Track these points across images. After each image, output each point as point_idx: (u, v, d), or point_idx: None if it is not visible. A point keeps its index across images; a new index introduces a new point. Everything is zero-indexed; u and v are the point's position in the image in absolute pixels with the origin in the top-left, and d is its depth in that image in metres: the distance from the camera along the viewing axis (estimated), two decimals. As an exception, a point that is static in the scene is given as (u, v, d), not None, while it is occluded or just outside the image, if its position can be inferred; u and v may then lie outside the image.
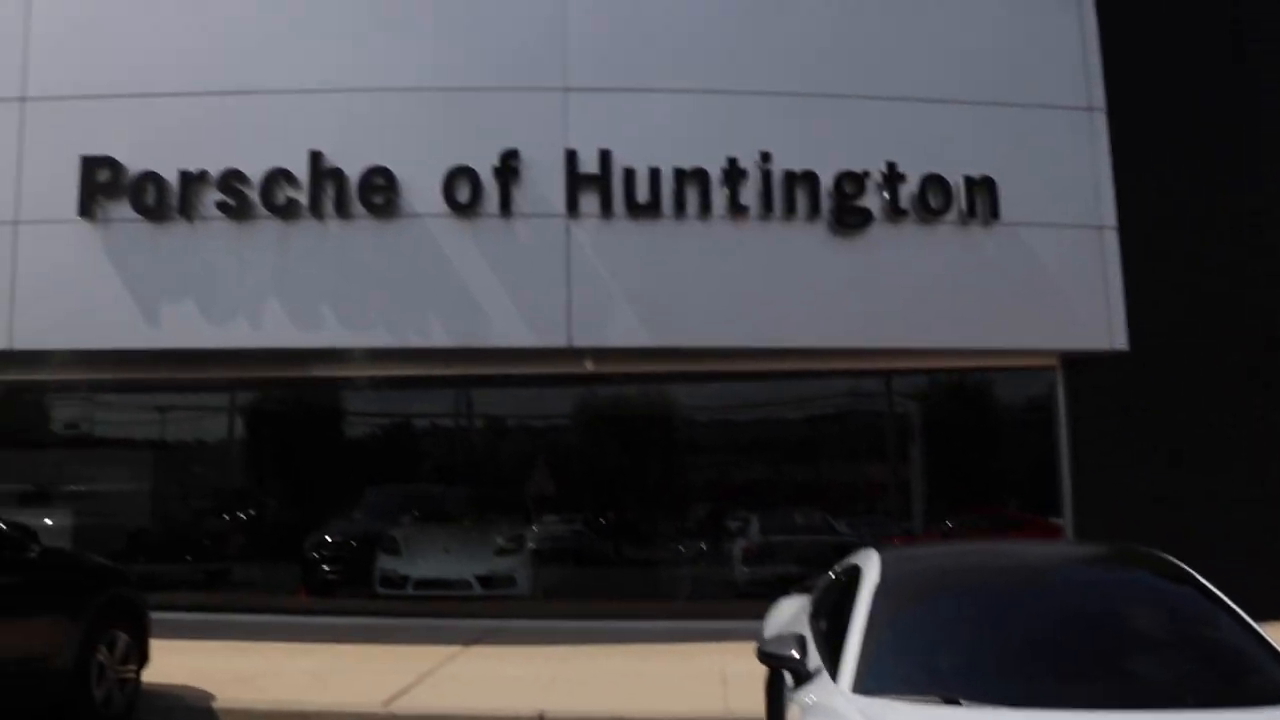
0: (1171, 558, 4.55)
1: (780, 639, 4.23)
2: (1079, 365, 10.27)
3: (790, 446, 11.97)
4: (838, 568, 5.46)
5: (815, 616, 5.24)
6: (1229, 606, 4.14)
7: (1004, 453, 11.73)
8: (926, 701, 3.63)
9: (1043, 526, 10.64)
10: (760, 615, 6.25)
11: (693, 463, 12.12)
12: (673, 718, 6.90)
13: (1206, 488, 9.79)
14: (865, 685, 3.78)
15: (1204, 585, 4.29)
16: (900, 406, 11.63)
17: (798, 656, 4.12)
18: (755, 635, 9.46)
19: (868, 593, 4.28)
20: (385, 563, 11.34)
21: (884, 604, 4.19)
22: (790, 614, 6.02)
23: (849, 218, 9.56)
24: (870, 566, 4.55)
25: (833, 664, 4.07)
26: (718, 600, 11.28)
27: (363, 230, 9.44)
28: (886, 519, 11.54)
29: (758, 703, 7.17)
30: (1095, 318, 9.70)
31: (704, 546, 11.60)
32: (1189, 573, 4.39)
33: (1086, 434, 10.23)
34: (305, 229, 9.43)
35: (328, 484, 12.13)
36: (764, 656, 4.20)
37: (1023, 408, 11.37)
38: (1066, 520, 10.39)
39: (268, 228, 9.43)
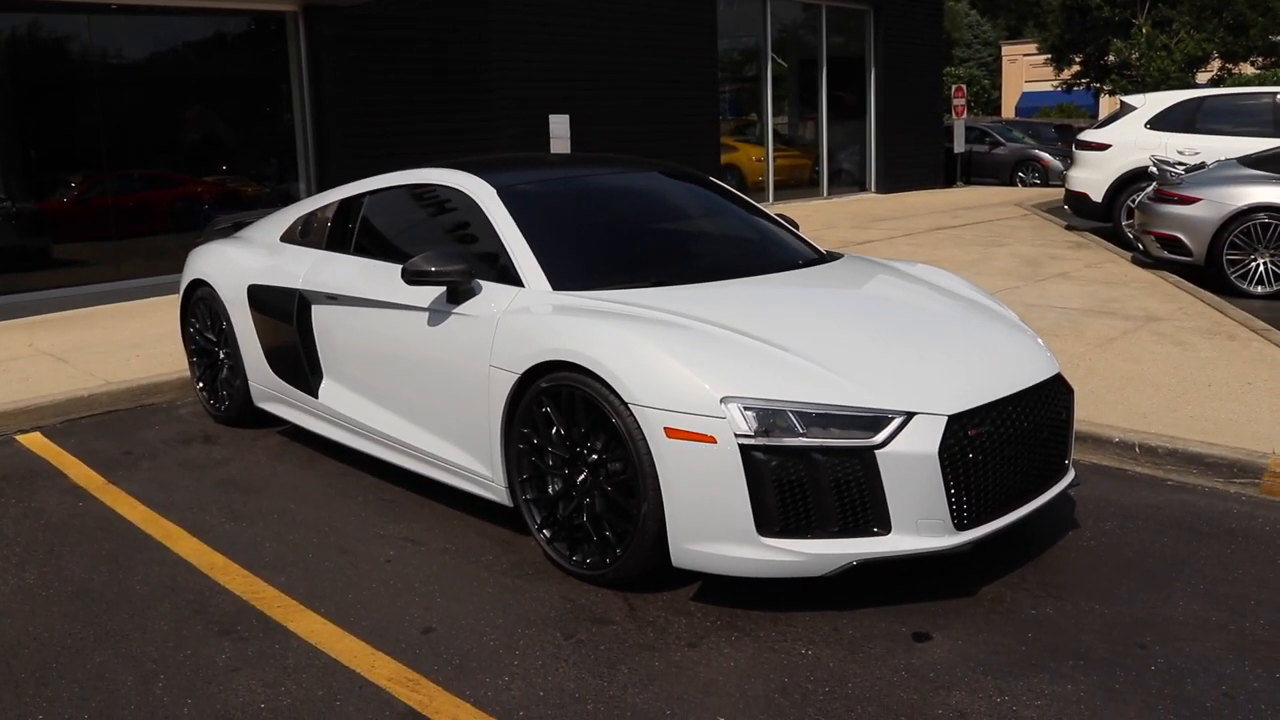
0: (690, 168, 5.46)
1: (442, 255, 4.09)
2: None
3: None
4: (342, 193, 5.17)
5: (338, 244, 5.03)
6: (744, 199, 5.22)
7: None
8: (641, 286, 4.01)
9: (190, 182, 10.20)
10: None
11: None
12: (57, 401, 5.88)
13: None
14: (564, 283, 3.99)
15: (721, 184, 5.30)
16: None
17: (467, 268, 4.11)
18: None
19: (497, 206, 4.33)
20: None
21: (524, 213, 4.33)
22: (260, 253, 5.46)
23: None
24: (467, 183, 4.54)
25: (485, 275, 4.17)
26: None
27: None
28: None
29: (150, 365, 6.00)
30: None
31: None
32: (706, 176, 5.37)
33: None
34: None
35: None
36: (423, 275, 4.04)
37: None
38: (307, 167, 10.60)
39: None
